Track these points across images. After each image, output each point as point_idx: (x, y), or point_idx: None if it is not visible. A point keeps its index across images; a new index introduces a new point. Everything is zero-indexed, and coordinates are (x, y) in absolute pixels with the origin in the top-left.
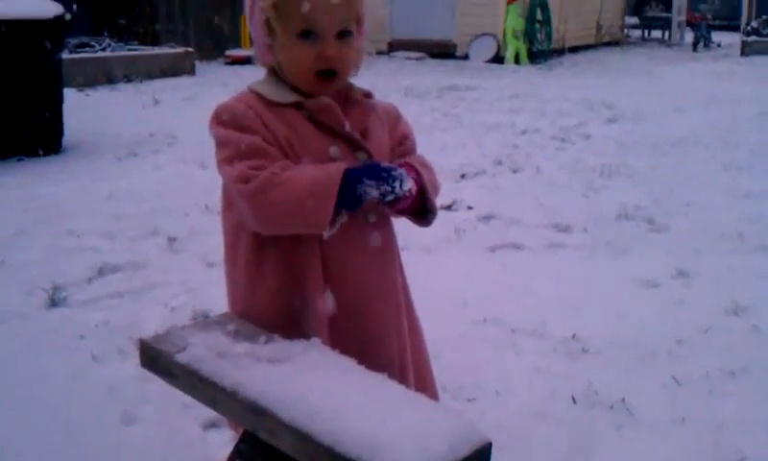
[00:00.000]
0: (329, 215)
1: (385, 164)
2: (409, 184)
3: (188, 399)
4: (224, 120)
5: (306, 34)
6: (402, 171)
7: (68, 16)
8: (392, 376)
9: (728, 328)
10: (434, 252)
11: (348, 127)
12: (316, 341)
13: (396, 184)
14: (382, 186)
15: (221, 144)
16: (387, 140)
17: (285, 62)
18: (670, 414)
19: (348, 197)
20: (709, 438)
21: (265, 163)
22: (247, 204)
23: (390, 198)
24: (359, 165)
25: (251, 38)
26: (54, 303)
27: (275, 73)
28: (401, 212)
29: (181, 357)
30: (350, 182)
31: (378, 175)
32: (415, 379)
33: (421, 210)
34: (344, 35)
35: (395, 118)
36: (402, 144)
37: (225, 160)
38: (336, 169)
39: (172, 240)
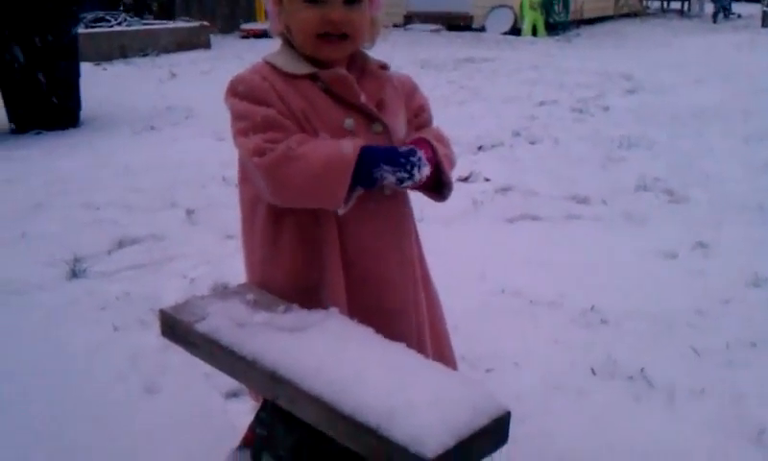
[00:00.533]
0: (344, 193)
1: (403, 148)
2: (426, 170)
3: (209, 368)
4: (239, 91)
5: None
6: (420, 155)
7: None
8: (409, 347)
9: (747, 300)
10: (451, 223)
11: (363, 98)
12: (334, 310)
13: (415, 170)
14: (398, 173)
15: (237, 116)
16: (403, 112)
17: (293, 28)
18: (690, 385)
19: (364, 176)
20: (729, 409)
21: (280, 136)
22: (263, 177)
23: (407, 183)
24: (376, 146)
25: (266, 12)
26: (74, 274)
27: (289, 44)
28: (417, 188)
29: (201, 326)
30: (367, 164)
31: (396, 160)
32: (433, 351)
33: (437, 185)
34: (352, 1)
35: (411, 89)
36: (418, 116)
37: (240, 132)
38: (353, 148)
39: (190, 212)
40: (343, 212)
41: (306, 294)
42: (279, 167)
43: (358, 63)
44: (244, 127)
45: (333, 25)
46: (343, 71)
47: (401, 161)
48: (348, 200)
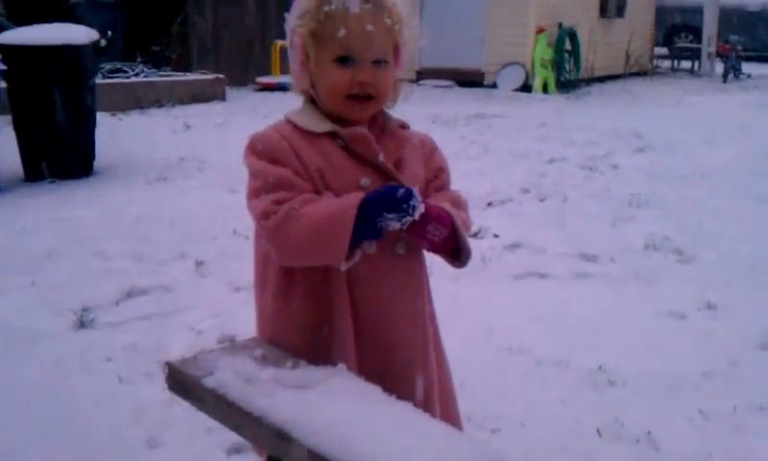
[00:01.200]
0: (345, 248)
1: (401, 190)
2: (421, 207)
3: (213, 423)
4: (257, 150)
5: (343, 59)
6: (415, 191)
7: (103, 43)
8: (417, 406)
9: (756, 362)
10: (459, 279)
11: (381, 157)
12: (342, 367)
13: (414, 211)
14: (403, 218)
15: (252, 174)
16: (422, 172)
17: (321, 87)
18: (697, 449)
19: (367, 228)
20: None
21: (290, 196)
22: (267, 239)
23: (407, 221)
24: (375, 192)
25: (281, 66)
26: (82, 324)
27: (311, 102)
28: (434, 252)
29: (209, 381)
30: (368, 214)
31: (397, 206)
32: (440, 410)
33: (455, 251)
34: (379, 62)
35: (430, 150)
36: (438, 177)
37: (252, 193)
38: (351, 201)
39: (199, 264)
40: (346, 268)
41: (316, 350)
42: (282, 228)
43: (379, 122)
44: (256, 187)
45: (362, 86)
46: (363, 130)
47: (402, 207)
48: (353, 255)
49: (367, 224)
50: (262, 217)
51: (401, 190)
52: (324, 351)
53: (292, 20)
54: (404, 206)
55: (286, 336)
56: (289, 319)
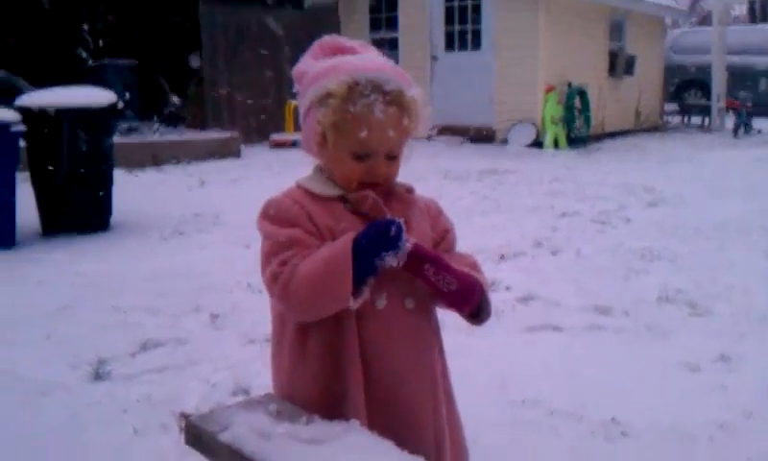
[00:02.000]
0: (349, 287)
1: (392, 225)
2: (406, 241)
3: None
4: (270, 214)
5: (360, 156)
6: (401, 223)
7: (120, 104)
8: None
9: None
10: (472, 332)
11: (388, 215)
12: (355, 423)
13: (403, 243)
14: (398, 253)
15: (264, 239)
16: (429, 232)
17: (335, 169)
18: None
19: (364, 265)
20: None
21: (297, 253)
22: (278, 301)
23: (402, 249)
24: (367, 228)
25: (294, 124)
26: (98, 376)
27: (321, 169)
28: (458, 311)
29: (224, 437)
30: (362, 251)
31: (389, 243)
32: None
33: (478, 312)
34: (391, 157)
35: (436, 212)
36: (444, 239)
37: (264, 258)
38: (344, 241)
39: (214, 317)
40: (356, 306)
41: (330, 406)
42: (287, 287)
43: (385, 187)
44: (267, 250)
45: (376, 178)
46: (371, 193)
47: (394, 243)
48: (359, 293)
49: (363, 261)
50: (271, 281)
51: (393, 225)
52: (337, 405)
53: (310, 95)
54: (395, 242)
55: (302, 393)
56: (304, 376)
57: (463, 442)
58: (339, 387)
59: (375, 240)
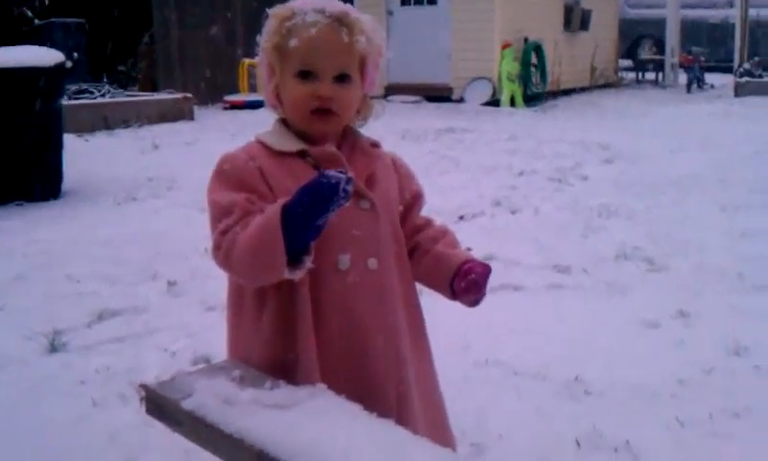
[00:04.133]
0: (281, 258)
1: (323, 183)
2: (344, 178)
3: (190, 445)
4: (224, 169)
5: (304, 74)
6: (334, 178)
7: (69, 64)
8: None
9: (730, 369)
10: (433, 294)
11: (350, 174)
12: (322, 387)
13: (342, 192)
14: (333, 207)
15: (208, 203)
16: (395, 189)
17: (285, 103)
18: (674, 456)
19: (302, 229)
20: None
21: (236, 220)
22: (223, 270)
23: (343, 203)
24: (298, 192)
25: (248, 84)
26: (54, 348)
27: (283, 122)
28: (454, 298)
29: (187, 404)
30: (297, 215)
31: (325, 204)
32: (427, 425)
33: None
34: (342, 78)
35: (407, 173)
36: (417, 203)
37: (210, 224)
38: (273, 209)
39: (172, 284)
40: (298, 277)
41: (283, 371)
42: (228, 255)
43: (349, 140)
44: (211, 216)
45: (323, 101)
46: (332, 148)
47: (334, 202)
48: (301, 263)
49: (300, 225)
50: (215, 250)
51: (324, 183)
52: (290, 371)
53: (261, 37)
54: (330, 198)
55: (256, 357)
56: (258, 340)
57: (438, 400)
58: (292, 353)
59: (307, 204)
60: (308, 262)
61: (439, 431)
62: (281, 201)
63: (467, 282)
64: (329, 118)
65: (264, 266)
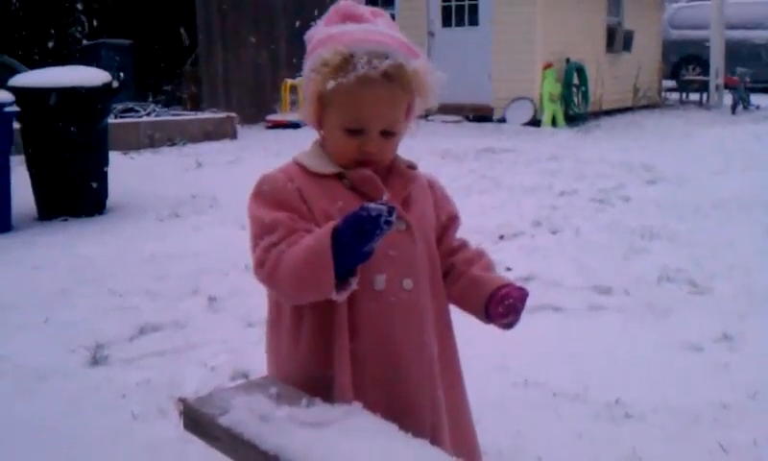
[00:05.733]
0: (331, 279)
1: (370, 209)
2: (384, 209)
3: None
4: (263, 191)
5: (352, 131)
6: (383, 208)
7: (115, 84)
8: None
9: None
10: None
11: (386, 196)
12: (357, 406)
13: (383, 224)
14: (377, 237)
15: (250, 219)
16: (431, 211)
17: (330, 144)
18: None
19: (350, 255)
20: None
21: (281, 237)
22: (266, 286)
23: (387, 232)
24: (347, 218)
25: (290, 104)
26: (96, 361)
27: (321, 144)
28: (491, 322)
29: (224, 420)
30: (345, 241)
31: (373, 230)
32: (456, 448)
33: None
34: (389, 133)
35: (442, 194)
36: (452, 223)
37: (251, 242)
38: (324, 235)
39: (212, 300)
40: (342, 298)
41: (319, 390)
42: (273, 275)
43: (384, 163)
44: (253, 233)
45: (368, 155)
46: (368, 171)
47: (381, 228)
48: (348, 284)
49: (348, 251)
50: (257, 267)
51: (371, 210)
52: (324, 391)
53: (308, 64)
54: (378, 223)
55: (295, 375)
56: (298, 359)
57: (469, 420)
58: (328, 371)
59: (357, 229)
60: (354, 284)
61: (469, 455)
62: (332, 223)
63: (504, 307)
64: (371, 165)
65: (311, 286)
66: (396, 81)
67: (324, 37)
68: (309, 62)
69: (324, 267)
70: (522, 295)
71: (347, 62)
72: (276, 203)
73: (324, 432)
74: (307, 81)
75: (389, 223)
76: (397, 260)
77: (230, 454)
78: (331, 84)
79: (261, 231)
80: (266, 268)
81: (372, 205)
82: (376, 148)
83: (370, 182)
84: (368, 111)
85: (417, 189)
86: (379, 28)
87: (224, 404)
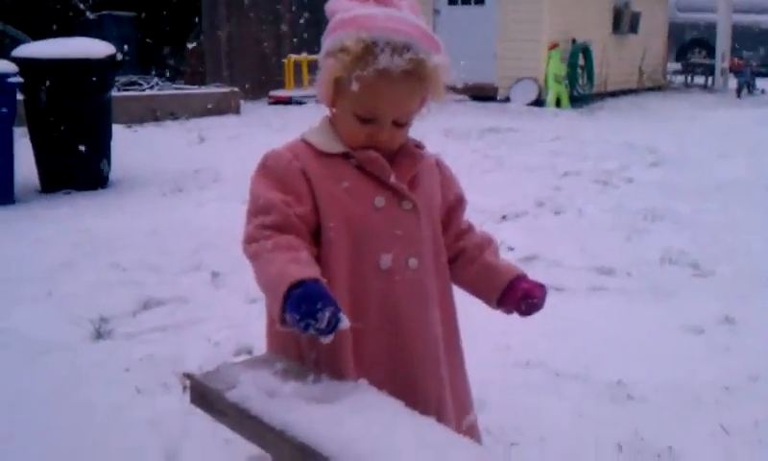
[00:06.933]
0: (278, 316)
1: (323, 300)
2: (323, 324)
3: (230, 434)
4: (267, 166)
5: (365, 119)
6: (325, 314)
7: (119, 57)
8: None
9: None
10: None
11: (393, 178)
12: (364, 382)
13: (316, 322)
14: (301, 322)
15: (249, 195)
16: (437, 191)
17: (340, 124)
18: None
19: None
20: None
21: (274, 220)
22: (246, 258)
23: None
24: (307, 284)
25: (294, 80)
26: (99, 335)
27: (331, 121)
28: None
29: (231, 395)
30: (290, 310)
31: (303, 310)
32: (457, 424)
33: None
34: (399, 123)
35: (449, 175)
36: (459, 206)
37: (247, 214)
38: (285, 281)
39: (215, 275)
40: (282, 330)
41: (322, 362)
42: (252, 260)
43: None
44: (249, 209)
45: (379, 143)
46: (374, 153)
47: (306, 311)
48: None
49: (292, 319)
50: (245, 242)
51: (318, 317)
52: (329, 362)
53: (328, 44)
54: (307, 310)
55: (294, 352)
56: (295, 336)
57: (470, 400)
58: (326, 349)
59: (301, 315)
60: (293, 328)
61: (469, 431)
62: (291, 279)
63: (527, 306)
64: (380, 150)
65: (268, 300)
66: (415, 76)
67: (348, 19)
68: (329, 42)
69: (275, 304)
70: (543, 294)
71: (368, 52)
72: (277, 179)
73: (330, 408)
74: (325, 60)
75: (323, 332)
76: (403, 239)
77: (237, 429)
78: (349, 73)
79: (256, 210)
80: (249, 251)
81: (325, 313)
82: (388, 137)
83: (375, 163)
84: (383, 104)
85: (424, 169)
86: (403, 14)
87: (231, 380)
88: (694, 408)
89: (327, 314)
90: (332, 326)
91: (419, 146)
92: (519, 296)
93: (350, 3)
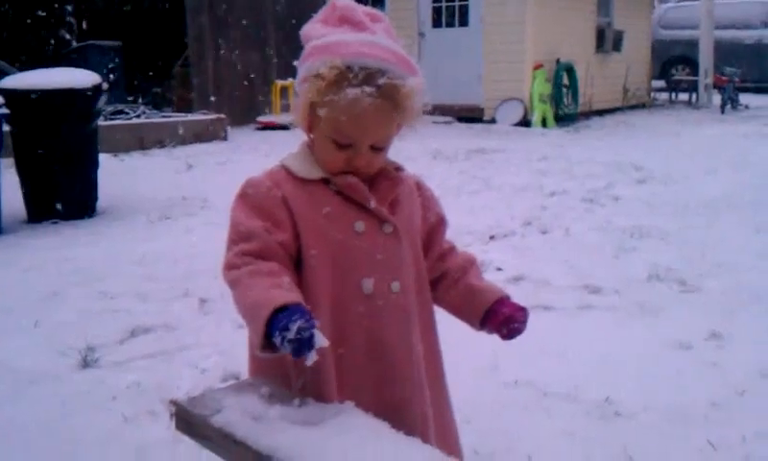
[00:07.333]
0: (259, 343)
1: (305, 322)
2: (292, 334)
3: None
4: (247, 193)
5: (341, 145)
6: (296, 323)
7: (105, 86)
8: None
9: (763, 391)
10: None
11: (373, 203)
12: (349, 404)
13: (288, 332)
14: (278, 338)
15: (230, 222)
16: (418, 213)
17: (318, 151)
18: None
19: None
20: None
21: (254, 248)
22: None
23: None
24: (290, 308)
25: (281, 105)
26: (86, 364)
27: (310, 147)
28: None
29: (216, 420)
30: (274, 333)
31: (281, 326)
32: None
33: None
34: (376, 148)
35: (430, 197)
36: (440, 228)
37: (227, 242)
38: (270, 305)
39: (203, 301)
40: (262, 356)
41: (305, 386)
42: (232, 287)
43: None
44: (230, 237)
45: (356, 168)
46: (353, 178)
47: (291, 336)
48: (275, 351)
49: (277, 342)
50: (225, 268)
51: (303, 342)
52: (313, 386)
53: (303, 70)
54: (289, 326)
55: (279, 371)
56: (279, 359)
57: (453, 420)
58: (310, 375)
59: (279, 330)
60: (279, 353)
61: (450, 448)
62: (274, 302)
63: (509, 330)
64: (359, 174)
65: (249, 327)
66: (389, 100)
67: (321, 46)
68: (304, 69)
69: (255, 331)
70: (525, 317)
71: (342, 77)
72: (257, 207)
73: (316, 431)
74: (301, 87)
75: (296, 346)
76: (385, 263)
77: (223, 454)
78: (324, 98)
79: (237, 237)
80: (229, 277)
81: (295, 323)
82: (365, 161)
83: (356, 189)
84: (359, 129)
85: (403, 192)
86: (377, 38)
87: (216, 405)
88: (682, 425)
89: (298, 324)
90: (306, 339)
91: (398, 168)
92: (500, 320)
93: (325, 29)
